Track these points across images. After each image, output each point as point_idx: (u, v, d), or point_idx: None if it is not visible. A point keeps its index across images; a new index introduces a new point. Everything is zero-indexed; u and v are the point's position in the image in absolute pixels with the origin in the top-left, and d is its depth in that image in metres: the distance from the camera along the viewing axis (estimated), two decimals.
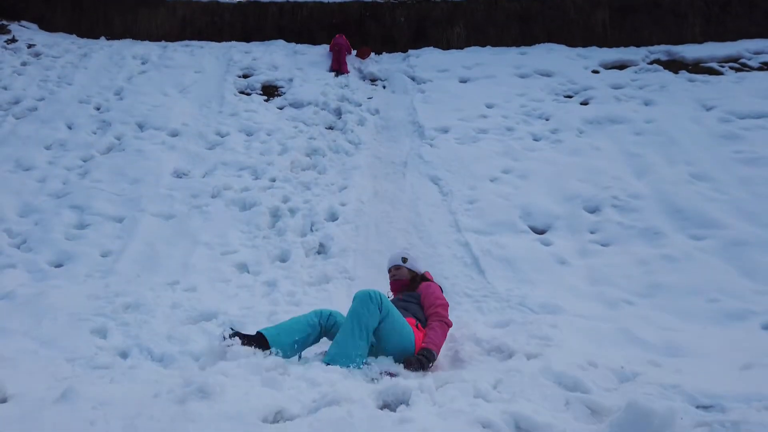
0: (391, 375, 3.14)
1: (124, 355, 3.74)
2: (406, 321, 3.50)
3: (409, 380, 2.57)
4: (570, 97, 9.49)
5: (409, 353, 3.35)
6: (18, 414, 2.03)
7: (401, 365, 3.24)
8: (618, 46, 11.21)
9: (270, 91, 10.09)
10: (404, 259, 4.11)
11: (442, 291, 3.98)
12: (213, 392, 2.20)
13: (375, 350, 3.34)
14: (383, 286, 5.44)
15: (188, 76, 10.24)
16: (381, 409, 2.33)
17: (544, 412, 2.21)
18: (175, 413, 2.05)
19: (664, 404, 1.97)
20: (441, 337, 3.50)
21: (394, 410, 2.30)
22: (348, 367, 3.02)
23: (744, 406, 2.23)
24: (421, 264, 4.23)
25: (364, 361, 3.15)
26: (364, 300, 3.23)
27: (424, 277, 4.10)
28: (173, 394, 2.25)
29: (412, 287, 4.03)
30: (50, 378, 2.66)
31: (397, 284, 4.11)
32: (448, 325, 3.62)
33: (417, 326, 3.58)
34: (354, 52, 11.59)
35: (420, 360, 3.23)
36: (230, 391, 2.26)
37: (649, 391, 2.57)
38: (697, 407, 2.46)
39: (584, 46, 11.33)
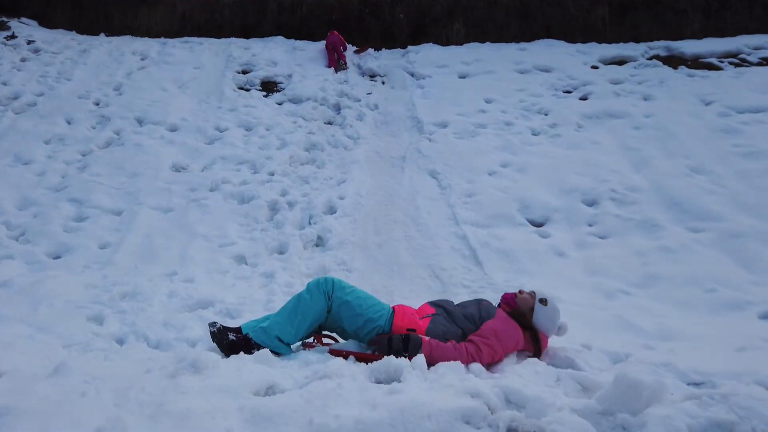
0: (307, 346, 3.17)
1: (120, 341, 3.75)
2: (377, 303, 3.21)
3: (401, 359, 2.57)
4: (569, 92, 9.49)
5: (379, 333, 3.07)
6: (11, 387, 2.04)
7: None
8: (617, 42, 11.19)
9: (269, 86, 10.11)
10: (542, 301, 3.24)
11: (516, 344, 3.12)
12: (205, 367, 2.22)
13: (345, 333, 3.26)
14: (381, 279, 5.51)
15: (187, 72, 10.27)
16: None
17: (535, 387, 2.22)
18: (166, 386, 2.06)
19: (654, 377, 1.98)
20: (446, 352, 2.87)
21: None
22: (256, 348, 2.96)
23: (735, 382, 2.23)
24: (551, 325, 3.21)
25: (290, 350, 3.07)
26: (311, 287, 3.15)
27: (532, 329, 3.19)
28: (165, 369, 2.27)
29: (508, 312, 3.29)
30: (44, 359, 2.67)
31: (506, 298, 3.43)
32: (468, 356, 2.89)
33: (423, 317, 3.17)
34: (350, 47, 11.61)
35: (389, 342, 2.86)
36: (222, 367, 2.28)
37: (640, 369, 2.58)
38: (689, 384, 2.47)
39: (584, 42, 11.32)
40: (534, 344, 3.13)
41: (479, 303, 3.37)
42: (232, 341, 2.98)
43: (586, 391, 2.39)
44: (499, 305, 3.40)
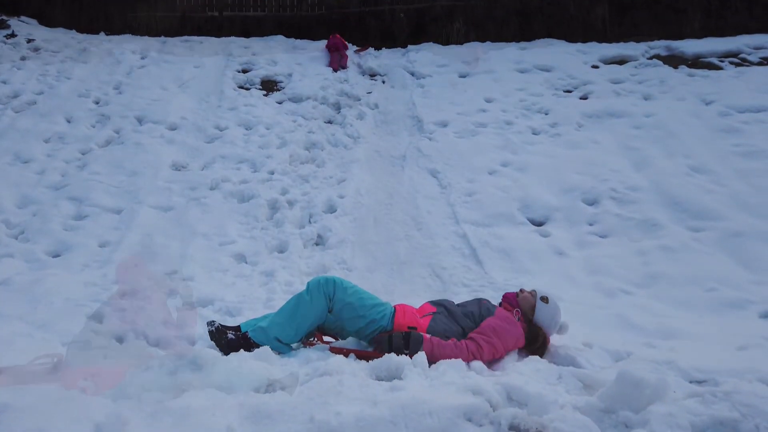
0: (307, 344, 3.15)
1: (119, 339, 3.74)
2: (379, 303, 3.17)
3: (402, 356, 2.57)
4: (569, 91, 9.48)
5: (380, 332, 3.04)
6: (9, 383, 2.03)
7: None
8: (618, 41, 11.19)
9: (269, 85, 10.10)
10: (543, 299, 3.28)
11: (516, 341, 3.13)
12: (205, 364, 2.21)
13: (345, 332, 3.22)
14: (381, 278, 5.51)
15: (187, 71, 10.24)
16: None
17: (536, 384, 2.21)
18: (166, 383, 2.05)
19: (656, 375, 1.97)
20: (447, 350, 2.86)
21: None
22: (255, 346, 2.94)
23: (737, 380, 2.22)
24: (552, 323, 3.24)
25: (289, 349, 3.06)
26: (312, 288, 3.10)
27: (537, 330, 3.20)
28: (165, 367, 2.26)
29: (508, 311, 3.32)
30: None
31: (507, 297, 3.44)
32: (469, 353, 2.89)
33: (423, 316, 3.16)
34: (351, 47, 11.61)
35: (390, 339, 2.85)
36: (222, 364, 2.27)
37: (642, 367, 2.57)
38: (691, 382, 2.46)
39: (584, 41, 11.31)
40: (537, 342, 3.13)
41: (480, 302, 3.38)
42: (230, 340, 2.97)
43: (587, 388, 2.39)
44: (500, 304, 3.40)
